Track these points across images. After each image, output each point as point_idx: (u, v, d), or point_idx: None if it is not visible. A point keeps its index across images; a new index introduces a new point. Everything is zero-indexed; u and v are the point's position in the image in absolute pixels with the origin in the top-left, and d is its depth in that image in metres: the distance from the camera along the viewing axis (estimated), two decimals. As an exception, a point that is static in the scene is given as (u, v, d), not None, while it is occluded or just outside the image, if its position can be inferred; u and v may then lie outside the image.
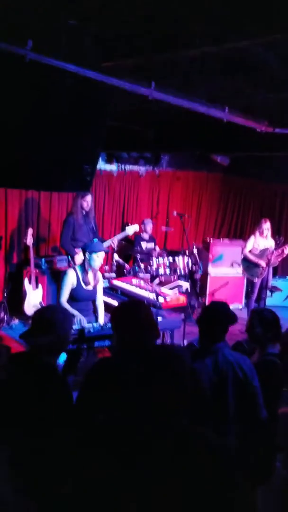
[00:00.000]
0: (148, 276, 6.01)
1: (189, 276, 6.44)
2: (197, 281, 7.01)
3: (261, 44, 2.59)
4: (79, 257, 5.44)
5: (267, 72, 3.17)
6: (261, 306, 6.75)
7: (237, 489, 1.25)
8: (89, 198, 5.70)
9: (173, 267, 6.16)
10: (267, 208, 8.53)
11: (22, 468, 1.50)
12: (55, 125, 3.14)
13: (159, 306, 4.67)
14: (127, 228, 6.48)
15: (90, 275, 4.26)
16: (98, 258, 4.18)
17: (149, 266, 6.09)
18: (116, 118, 4.88)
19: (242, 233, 8.78)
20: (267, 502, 2.18)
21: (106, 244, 6.02)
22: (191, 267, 6.42)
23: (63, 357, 3.99)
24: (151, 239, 7.31)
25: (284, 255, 6.56)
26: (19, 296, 6.04)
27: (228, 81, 3.50)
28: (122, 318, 2.20)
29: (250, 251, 6.73)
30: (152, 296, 4.87)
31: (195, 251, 6.75)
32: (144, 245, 7.10)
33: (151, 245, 7.21)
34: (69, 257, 5.79)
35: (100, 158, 6.76)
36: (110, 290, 5.51)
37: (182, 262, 6.19)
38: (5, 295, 6.09)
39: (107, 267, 6.47)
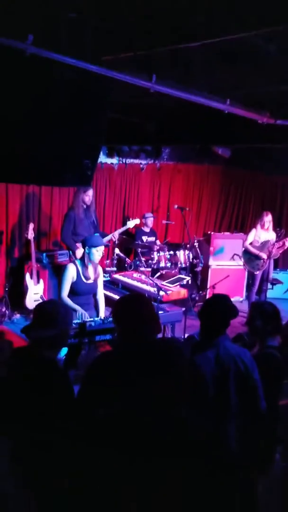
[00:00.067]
0: (149, 269, 6.01)
1: (190, 269, 6.44)
2: (198, 274, 7.01)
3: (262, 35, 2.57)
4: (80, 252, 5.44)
5: (268, 64, 3.14)
6: (262, 298, 6.76)
7: (237, 481, 1.25)
8: (90, 192, 5.69)
9: (174, 260, 6.15)
10: (268, 200, 8.50)
11: (23, 462, 1.51)
12: (56, 120, 3.12)
13: (160, 299, 4.67)
14: (128, 222, 6.47)
15: (90, 269, 4.26)
16: (97, 252, 4.19)
17: (150, 260, 6.09)
18: (117, 111, 4.85)
19: (243, 226, 8.76)
20: (267, 494, 2.19)
21: (107, 238, 6.03)
22: (192, 260, 6.41)
23: (64, 351, 4.01)
24: (152, 232, 7.30)
25: (285, 248, 6.56)
26: (20, 290, 6.06)
27: (229, 73, 3.48)
28: (124, 311, 2.20)
29: (251, 244, 6.73)
30: (153, 289, 4.88)
31: (196, 244, 6.75)
32: (145, 238, 7.09)
33: (152, 238, 7.21)
34: (70, 251, 5.79)
35: (101, 152, 6.74)
36: (111, 284, 5.52)
37: (183, 255, 6.19)
38: (7, 289, 6.10)
39: (108, 261, 6.47)
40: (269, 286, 7.03)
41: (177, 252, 6.18)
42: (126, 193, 7.84)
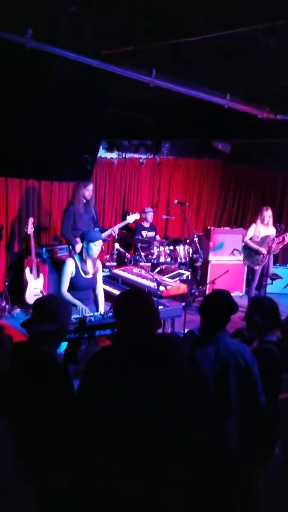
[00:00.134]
0: (149, 264, 6.02)
1: (190, 264, 6.45)
2: (198, 269, 7.02)
3: (262, 30, 2.56)
4: (79, 246, 5.45)
5: (268, 59, 3.13)
6: (261, 293, 6.78)
7: (236, 477, 1.27)
8: (91, 187, 5.69)
9: (173, 255, 6.16)
10: (268, 195, 8.49)
11: (24, 458, 1.52)
12: (55, 114, 3.11)
13: (159, 294, 4.68)
14: (127, 216, 6.47)
15: (89, 263, 4.27)
16: (95, 247, 4.20)
17: (150, 255, 6.10)
18: (117, 105, 4.84)
19: (243, 221, 8.75)
20: (267, 489, 2.21)
21: (106, 233, 6.03)
22: (192, 255, 6.42)
23: (63, 346, 4.03)
24: (152, 227, 7.31)
25: (285, 243, 6.56)
26: (20, 285, 6.06)
27: (229, 68, 3.47)
28: (124, 307, 2.21)
29: (250, 239, 6.73)
30: (152, 284, 4.89)
31: (195, 239, 6.75)
32: (144, 233, 7.10)
33: (151, 233, 7.21)
34: (70, 246, 5.79)
35: (101, 146, 6.72)
36: (111, 279, 5.53)
37: (182, 250, 6.20)
38: (7, 284, 6.11)
39: (108, 256, 6.48)
40: (269, 281, 7.04)
41: (177, 247, 6.18)
42: (126, 188, 7.83)
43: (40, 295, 5.67)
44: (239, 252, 7.09)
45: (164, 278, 5.35)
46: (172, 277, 5.41)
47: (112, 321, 3.78)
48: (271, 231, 6.66)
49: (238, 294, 7.32)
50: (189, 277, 5.91)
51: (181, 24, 2.57)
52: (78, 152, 3.47)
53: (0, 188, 6.24)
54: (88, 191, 5.65)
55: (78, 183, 5.64)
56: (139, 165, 7.92)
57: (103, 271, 5.26)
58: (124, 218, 6.92)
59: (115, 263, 6.24)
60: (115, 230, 6.12)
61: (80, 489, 1.27)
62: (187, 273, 5.71)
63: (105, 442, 1.33)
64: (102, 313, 4.10)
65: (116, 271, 5.66)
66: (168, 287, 4.97)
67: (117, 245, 6.29)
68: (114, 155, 7.50)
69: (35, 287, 5.90)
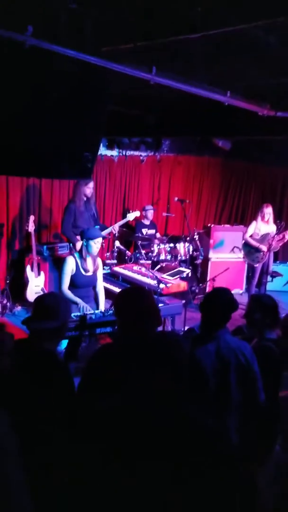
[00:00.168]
0: (149, 262, 6.02)
1: (190, 261, 6.45)
2: (198, 266, 7.02)
3: (262, 27, 2.55)
4: (80, 244, 5.45)
5: (268, 56, 3.12)
6: (261, 291, 6.78)
7: (237, 474, 1.27)
8: (91, 184, 5.69)
9: (174, 253, 6.16)
10: (268, 192, 8.48)
11: (24, 455, 1.52)
12: (56, 112, 3.11)
13: (160, 292, 4.69)
14: (128, 214, 6.47)
15: (89, 261, 4.28)
16: (95, 245, 4.20)
17: (150, 252, 6.10)
18: (117, 103, 4.83)
19: (243, 218, 8.75)
20: (267, 486, 2.22)
21: (107, 231, 6.03)
22: (192, 252, 6.42)
23: (64, 344, 4.04)
24: (152, 225, 7.30)
25: (285, 240, 6.56)
26: (21, 283, 6.07)
27: (230, 65, 3.46)
28: (125, 304, 2.21)
29: (251, 236, 6.73)
30: (153, 282, 4.89)
31: (196, 236, 6.75)
32: (145, 231, 7.09)
33: (152, 231, 7.21)
34: (71, 244, 5.79)
35: (101, 144, 6.71)
36: (111, 277, 5.54)
37: (183, 248, 6.20)
38: (8, 282, 6.12)
39: (108, 254, 6.48)
40: (269, 278, 7.04)
41: (177, 245, 6.18)
42: (126, 185, 7.83)
43: (41, 293, 5.67)
44: (239, 249, 7.09)
45: (164, 275, 5.35)
46: (172, 275, 5.42)
47: (112, 318, 3.79)
48: (271, 228, 6.65)
49: (238, 292, 7.32)
50: (189, 275, 5.92)
51: (181, 21, 2.56)
52: (79, 150, 3.47)
53: (1, 186, 6.24)
54: (89, 188, 5.65)
55: (78, 181, 5.63)
56: (140, 162, 7.91)
57: (103, 268, 5.26)
58: (124, 216, 6.92)
59: (115, 261, 6.24)
60: (115, 227, 6.11)
61: (80, 486, 1.28)
62: (187, 271, 5.71)
63: (105, 440, 1.33)
64: (103, 310, 4.11)
65: (117, 268, 5.67)
66: (168, 285, 4.97)
67: (117, 243, 6.29)
68: (114, 152, 7.49)
69: (36, 285, 5.91)
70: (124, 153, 7.61)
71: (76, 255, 4.28)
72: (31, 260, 5.94)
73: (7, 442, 1.30)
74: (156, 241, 6.34)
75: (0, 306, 5.91)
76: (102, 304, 4.41)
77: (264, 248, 6.55)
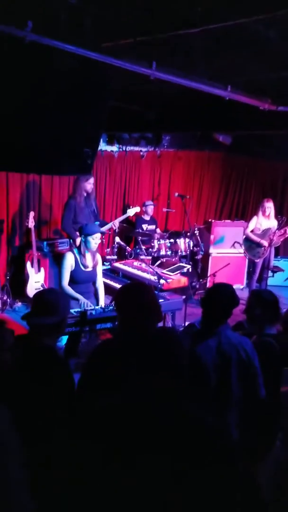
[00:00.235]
0: (149, 258, 6.02)
1: (190, 257, 6.45)
2: (199, 262, 7.02)
3: (262, 21, 2.53)
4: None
5: (269, 50, 3.11)
6: (262, 286, 6.78)
7: (237, 470, 1.27)
8: (92, 180, 5.69)
9: (174, 248, 6.16)
10: (269, 187, 8.46)
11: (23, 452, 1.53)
12: (56, 108, 3.10)
13: (160, 288, 4.69)
14: (128, 210, 6.47)
15: (88, 257, 4.28)
16: (93, 240, 4.21)
17: (150, 248, 6.10)
18: (117, 98, 4.81)
19: (244, 214, 8.73)
20: (267, 482, 2.23)
21: (107, 226, 6.02)
22: (193, 248, 6.42)
23: (64, 340, 4.05)
24: (152, 220, 7.30)
25: (286, 236, 6.55)
26: (21, 279, 6.08)
27: (230, 60, 3.44)
28: (125, 300, 2.21)
29: (252, 231, 6.72)
30: (153, 278, 4.89)
31: (196, 232, 6.74)
32: (145, 227, 7.09)
33: (152, 227, 7.20)
34: (71, 240, 5.79)
35: (101, 139, 6.70)
36: (112, 273, 5.54)
37: (183, 243, 6.19)
38: (8, 278, 6.13)
39: (108, 250, 6.48)
40: (270, 273, 7.04)
41: (178, 240, 6.18)
42: (126, 181, 7.82)
43: (41, 289, 5.68)
44: (240, 244, 7.09)
45: (165, 271, 5.35)
46: (172, 270, 5.42)
47: (113, 314, 3.80)
48: (272, 223, 6.64)
49: (239, 287, 7.33)
50: (190, 270, 5.92)
51: (181, 16, 2.55)
52: (79, 146, 3.46)
53: (1, 182, 6.24)
54: (90, 184, 5.65)
55: (78, 176, 5.63)
56: (140, 158, 7.89)
57: (103, 264, 5.27)
58: (124, 211, 6.91)
59: (115, 257, 6.24)
60: (115, 223, 6.11)
61: (79, 484, 1.28)
62: (187, 266, 5.71)
63: (105, 436, 1.33)
64: (103, 306, 4.11)
65: (117, 264, 5.67)
66: (168, 280, 4.98)
67: (117, 239, 6.29)
68: (114, 148, 7.47)
69: (36, 280, 5.91)
70: (124, 149, 7.59)
71: (75, 251, 4.29)
72: (31, 256, 5.94)
73: (8, 438, 1.31)
74: (156, 236, 6.34)
75: (1, 302, 5.92)
76: (102, 299, 4.41)
77: (265, 243, 6.54)
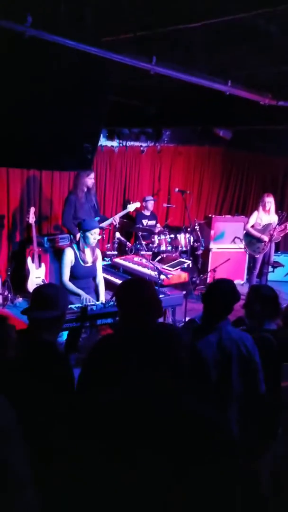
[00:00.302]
0: (149, 253, 6.02)
1: (191, 252, 6.45)
2: (199, 257, 7.02)
3: (263, 16, 2.52)
4: (80, 235, 5.46)
5: (269, 45, 3.09)
6: (263, 281, 6.79)
7: (237, 466, 1.28)
8: (93, 175, 5.69)
9: (174, 244, 6.16)
10: (269, 182, 8.44)
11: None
12: (56, 103, 3.09)
13: (160, 283, 4.70)
14: (128, 205, 6.46)
15: (87, 252, 4.29)
16: (92, 236, 4.21)
17: (150, 244, 6.10)
18: (117, 93, 4.80)
19: (244, 209, 8.72)
20: (266, 477, 2.24)
21: (107, 222, 6.02)
22: (193, 243, 6.42)
23: (65, 335, 4.06)
24: (153, 216, 7.29)
25: (287, 231, 6.55)
26: (22, 274, 6.09)
27: (230, 54, 3.43)
28: (126, 295, 2.22)
29: (252, 226, 6.72)
30: (153, 273, 4.90)
31: (196, 227, 6.74)
32: (145, 222, 7.09)
33: (152, 222, 7.20)
34: (71, 235, 5.80)
35: (101, 135, 6.68)
36: (112, 268, 5.54)
37: (183, 238, 6.19)
38: (9, 273, 6.14)
39: (108, 245, 6.49)
40: (270, 269, 7.04)
41: (178, 236, 6.18)
42: (126, 176, 7.80)
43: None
44: (240, 240, 7.09)
45: (165, 266, 5.36)
46: (173, 266, 5.42)
47: (113, 310, 3.80)
48: (273, 218, 6.63)
49: (239, 282, 7.33)
50: (190, 266, 5.92)
51: (182, 10, 2.53)
52: (79, 141, 3.46)
53: (1, 177, 6.23)
54: (91, 179, 5.65)
55: (79, 172, 5.62)
56: (140, 153, 7.88)
57: (104, 260, 5.27)
58: (124, 207, 6.91)
59: (116, 252, 6.24)
60: (116, 219, 6.11)
61: (80, 479, 1.29)
62: (188, 262, 5.71)
63: (105, 432, 1.34)
64: (104, 302, 4.12)
65: (117, 260, 5.67)
66: (169, 276, 4.98)
67: (118, 234, 6.29)
68: (114, 143, 7.46)
69: (37, 276, 5.92)
70: (124, 144, 7.57)
71: (75, 246, 4.29)
72: (32, 251, 5.95)
73: (14, 435, 1.31)
74: (157, 232, 6.34)
75: (1, 298, 5.94)
76: (103, 295, 4.42)
77: (265, 238, 6.54)
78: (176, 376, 1.41)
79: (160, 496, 1.24)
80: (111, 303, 3.94)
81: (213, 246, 7.39)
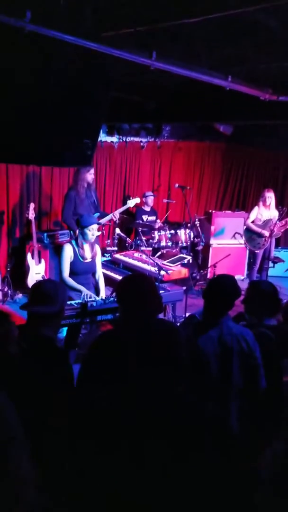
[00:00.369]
0: (150, 249, 6.02)
1: (191, 248, 6.45)
2: (199, 253, 7.02)
3: (263, 10, 2.51)
4: (80, 231, 5.46)
5: (270, 40, 3.08)
6: (263, 277, 6.80)
7: (237, 461, 1.29)
8: (93, 171, 5.68)
9: (174, 239, 6.16)
10: (270, 178, 8.43)
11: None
12: (55, 99, 3.08)
13: (160, 279, 4.70)
14: (128, 201, 6.45)
15: (86, 248, 4.29)
16: (90, 232, 4.21)
17: (150, 239, 6.10)
18: (117, 88, 4.78)
19: (244, 204, 8.71)
20: (266, 473, 2.25)
21: (107, 218, 6.02)
22: (193, 239, 6.41)
23: (65, 331, 4.07)
24: (153, 211, 7.28)
25: (287, 227, 6.54)
26: (22, 270, 6.10)
27: (231, 49, 3.41)
28: (127, 291, 2.22)
29: (253, 222, 6.71)
30: (154, 269, 4.90)
31: (197, 223, 6.74)
32: (145, 218, 7.08)
33: (152, 218, 7.19)
34: (71, 231, 5.79)
35: (101, 130, 6.66)
36: (112, 264, 5.54)
37: (184, 234, 6.19)
38: (9, 269, 6.14)
39: (108, 241, 6.48)
40: (271, 264, 7.05)
41: (178, 231, 6.17)
42: (126, 172, 7.79)
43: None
44: (241, 235, 7.09)
45: (165, 262, 5.36)
46: (173, 262, 5.43)
47: (113, 305, 3.81)
48: (273, 213, 6.63)
49: (240, 278, 7.34)
50: (190, 261, 5.92)
51: (182, 5, 2.52)
52: (79, 137, 3.45)
53: (1, 173, 6.22)
54: (91, 175, 5.64)
55: (79, 168, 5.61)
56: (140, 148, 7.86)
57: (104, 256, 5.27)
58: (124, 203, 6.90)
59: (116, 248, 6.24)
60: (116, 214, 6.10)
61: (81, 473, 1.30)
62: (188, 257, 5.71)
63: (105, 427, 1.35)
64: (104, 298, 4.12)
65: (117, 256, 5.67)
66: (169, 272, 4.98)
67: (118, 230, 6.28)
68: (114, 138, 7.44)
69: (36, 272, 5.93)
70: (124, 139, 7.55)
71: (73, 242, 4.29)
72: (31, 247, 5.95)
73: (17, 432, 1.31)
74: (157, 228, 6.33)
75: (1, 294, 5.94)
76: (103, 291, 4.42)
77: (266, 233, 6.54)
78: (176, 371, 1.42)
79: (161, 490, 1.25)
80: (111, 299, 3.95)
81: (213, 241, 7.39)
